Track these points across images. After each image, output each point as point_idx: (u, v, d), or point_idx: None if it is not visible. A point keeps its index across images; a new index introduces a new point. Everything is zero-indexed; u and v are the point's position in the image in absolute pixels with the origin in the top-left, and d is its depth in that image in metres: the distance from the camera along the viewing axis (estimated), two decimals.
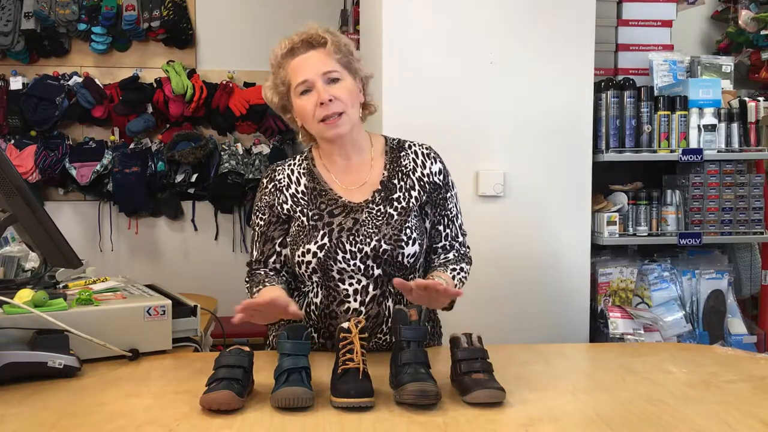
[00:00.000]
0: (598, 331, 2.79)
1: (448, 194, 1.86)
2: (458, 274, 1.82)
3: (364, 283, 1.75)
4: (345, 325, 1.49)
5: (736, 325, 2.94)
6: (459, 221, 1.89)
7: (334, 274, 1.75)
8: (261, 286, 1.74)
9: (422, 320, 1.50)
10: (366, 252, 1.74)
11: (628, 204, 2.94)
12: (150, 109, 4.30)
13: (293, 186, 1.82)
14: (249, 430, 1.28)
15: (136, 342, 1.70)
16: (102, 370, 1.61)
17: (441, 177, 1.85)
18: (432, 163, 1.84)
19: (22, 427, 1.28)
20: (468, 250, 1.92)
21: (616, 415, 1.35)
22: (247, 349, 1.47)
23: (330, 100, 1.70)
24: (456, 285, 1.78)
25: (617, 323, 2.62)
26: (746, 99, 3.12)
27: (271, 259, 1.82)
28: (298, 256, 1.75)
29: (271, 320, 1.62)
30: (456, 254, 1.87)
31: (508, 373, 1.54)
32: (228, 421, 1.30)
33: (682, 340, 2.78)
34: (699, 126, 2.93)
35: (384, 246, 1.74)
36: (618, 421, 1.32)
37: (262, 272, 1.81)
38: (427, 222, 1.84)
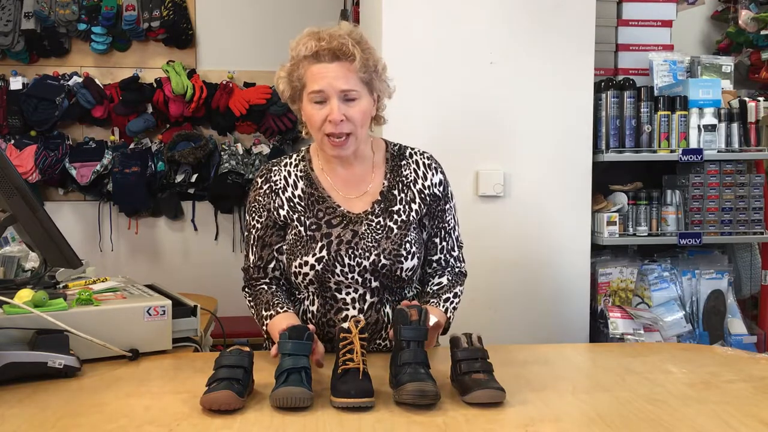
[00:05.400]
0: (598, 331, 2.79)
1: (447, 206, 1.84)
2: (451, 304, 1.79)
3: (361, 292, 1.74)
4: (345, 325, 1.49)
5: (736, 325, 2.94)
6: (456, 233, 1.87)
7: (332, 285, 1.74)
8: (273, 311, 1.71)
9: (422, 320, 1.50)
10: (365, 266, 1.71)
11: (628, 204, 2.94)
12: (150, 109, 4.29)
13: (290, 189, 1.78)
14: (249, 430, 1.28)
15: (136, 342, 1.70)
16: (102, 370, 1.61)
17: (441, 188, 1.82)
18: (433, 174, 1.82)
19: (22, 427, 1.28)
20: (463, 264, 1.89)
21: (616, 415, 1.35)
22: (247, 349, 1.47)
23: (341, 120, 1.66)
24: (449, 318, 1.78)
25: (617, 323, 2.62)
26: (746, 99, 3.12)
27: (271, 265, 1.79)
28: (295, 267, 1.73)
29: None
30: (450, 277, 1.84)
31: (508, 373, 1.54)
32: (228, 421, 1.30)
33: (682, 340, 2.78)
34: (699, 126, 2.93)
35: (383, 261, 1.71)
36: (618, 421, 1.32)
37: (265, 287, 1.79)
38: (425, 234, 1.82)
